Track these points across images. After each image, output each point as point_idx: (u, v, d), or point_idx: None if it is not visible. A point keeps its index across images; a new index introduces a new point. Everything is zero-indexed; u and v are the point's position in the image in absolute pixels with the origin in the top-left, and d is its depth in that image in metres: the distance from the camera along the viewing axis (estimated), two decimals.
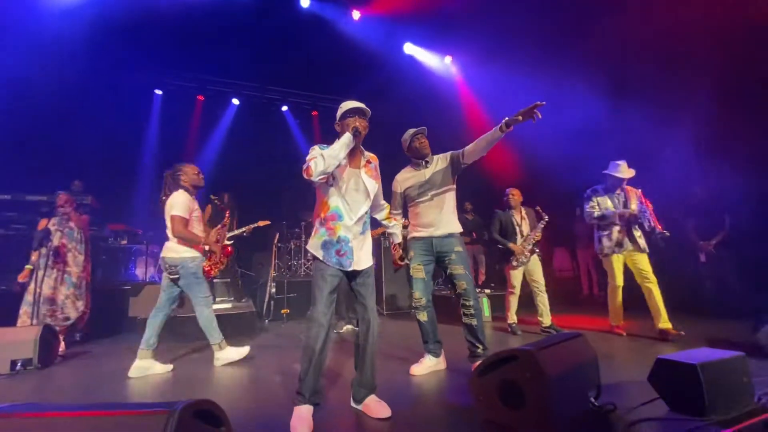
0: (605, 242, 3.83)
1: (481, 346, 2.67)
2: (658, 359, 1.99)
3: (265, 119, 8.80)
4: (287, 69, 7.70)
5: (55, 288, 3.94)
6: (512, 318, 4.23)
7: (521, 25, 7.03)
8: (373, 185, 2.21)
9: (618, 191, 3.82)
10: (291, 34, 7.16)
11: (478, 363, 2.48)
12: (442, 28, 7.46)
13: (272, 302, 5.39)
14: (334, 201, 2.11)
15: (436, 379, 2.64)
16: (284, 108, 9.03)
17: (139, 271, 6.28)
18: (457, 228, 2.85)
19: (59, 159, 6.14)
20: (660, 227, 3.59)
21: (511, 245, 4.17)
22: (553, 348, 1.83)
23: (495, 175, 7.59)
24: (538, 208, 4.33)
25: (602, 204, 3.82)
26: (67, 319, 3.97)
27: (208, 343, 3.30)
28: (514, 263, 4.18)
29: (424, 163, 2.90)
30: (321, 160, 1.97)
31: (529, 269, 4.22)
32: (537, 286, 4.20)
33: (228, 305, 5.11)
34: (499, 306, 4.88)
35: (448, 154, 2.90)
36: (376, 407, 2.01)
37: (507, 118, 2.43)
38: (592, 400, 1.88)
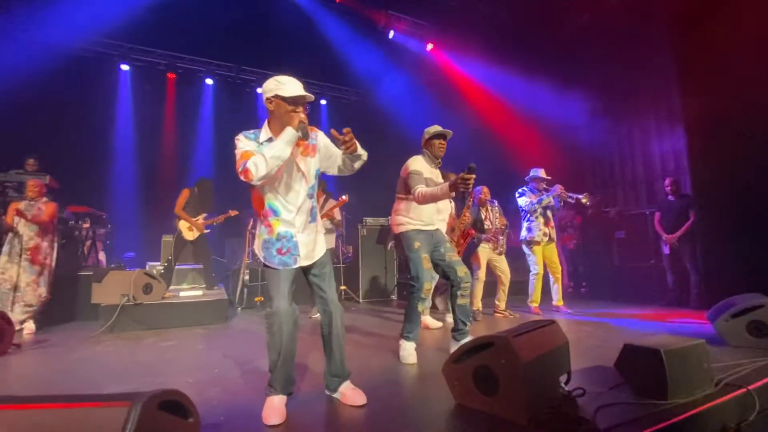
0: (536, 231, 4.53)
1: (469, 323, 2.91)
2: (625, 345, 2.06)
3: (239, 101, 8.50)
4: (263, 50, 7.44)
5: (19, 275, 3.99)
6: (477, 305, 4.39)
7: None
8: (309, 163, 1.98)
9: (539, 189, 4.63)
10: (268, 14, 6.89)
11: (464, 339, 2.77)
12: (425, 14, 7.39)
13: (245, 290, 5.27)
14: (268, 196, 1.92)
15: (411, 365, 2.64)
16: (260, 90, 8.74)
17: (103, 256, 5.99)
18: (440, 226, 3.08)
19: (10, 134, 5.71)
20: (575, 197, 4.48)
21: (483, 237, 4.44)
22: (527, 335, 1.85)
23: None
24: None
25: (531, 196, 4.58)
26: (30, 305, 3.99)
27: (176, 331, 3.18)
28: (495, 252, 4.49)
29: (437, 162, 2.96)
30: (263, 162, 1.74)
31: (496, 261, 4.50)
32: (503, 275, 4.52)
33: (199, 292, 4.95)
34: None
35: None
36: (351, 395, 1.98)
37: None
38: (563, 385, 1.93)
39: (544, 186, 4.66)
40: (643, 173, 7.97)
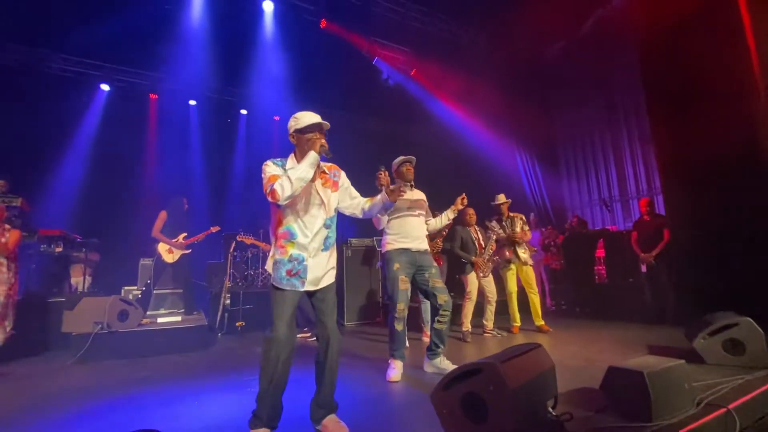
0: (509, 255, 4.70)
1: (442, 346, 3.06)
2: (609, 368, 2.08)
3: (223, 122, 8.48)
4: (248, 72, 7.49)
5: None
6: (467, 326, 4.39)
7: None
8: (330, 195, 2.13)
9: (506, 217, 4.78)
10: (254, 36, 6.99)
11: (436, 359, 3.01)
12: (406, 42, 7.64)
13: (226, 315, 5.12)
14: (288, 218, 2.02)
15: (397, 393, 2.60)
16: (243, 112, 8.75)
17: (76, 281, 5.73)
18: (428, 247, 3.23)
19: None
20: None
21: (473, 259, 4.50)
22: (514, 360, 1.85)
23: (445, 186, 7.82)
24: (486, 222, 4.79)
25: (495, 228, 4.68)
26: None
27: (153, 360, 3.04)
28: (481, 275, 4.52)
29: (410, 185, 3.25)
30: (288, 184, 1.89)
31: (484, 282, 4.56)
32: (490, 295, 4.58)
33: (177, 318, 4.78)
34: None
35: (426, 205, 3.32)
36: (334, 428, 1.93)
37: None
38: (550, 409, 1.93)
39: (507, 212, 4.83)
40: (619, 194, 8.28)
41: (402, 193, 2.36)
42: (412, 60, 8.09)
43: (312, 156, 1.96)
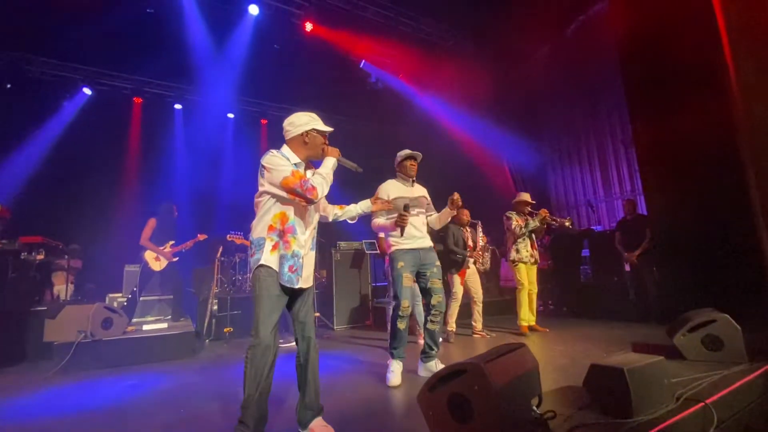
0: (524, 252, 4.64)
1: (436, 348, 3.04)
2: (591, 365, 2.12)
3: (209, 126, 8.40)
4: (233, 75, 7.45)
5: None
6: (452, 326, 4.42)
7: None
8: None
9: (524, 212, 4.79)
10: (239, 39, 6.96)
11: (430, 362, 2.98)
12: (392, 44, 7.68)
13: (214, 320, 5.06)
14: (293, 214, 2.02)
15: (386, 397, 2.61)
16: (230, 115, 8.69)
17: (58, 290, 5.62)
18: (431, 243, 3.16)
19: None
20: (559, 221, 4.71)
21: (468, 254, 4.56)
22: (498, 360, 1.88)
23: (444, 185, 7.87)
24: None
25: (518, 220, 4.70)
26: None
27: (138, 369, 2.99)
28: (481, 268, 4.67)
29: (411, 181, 3.20)
30: (325, 184, 1.99)
31: (470, 283, 4.60)
32: (476, 296, 4.63)
33: (164, 325, 4.71)
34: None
35: (426, 201, 3.22)
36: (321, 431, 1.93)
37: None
38: (535, 408, 1.96)
39: (529, 210, 4.77)
40: (604, 194, 8.44)
41: (389, 208, 2.61)
42: (399, 63, 8.14)
43: (334, 162, 2.07)
